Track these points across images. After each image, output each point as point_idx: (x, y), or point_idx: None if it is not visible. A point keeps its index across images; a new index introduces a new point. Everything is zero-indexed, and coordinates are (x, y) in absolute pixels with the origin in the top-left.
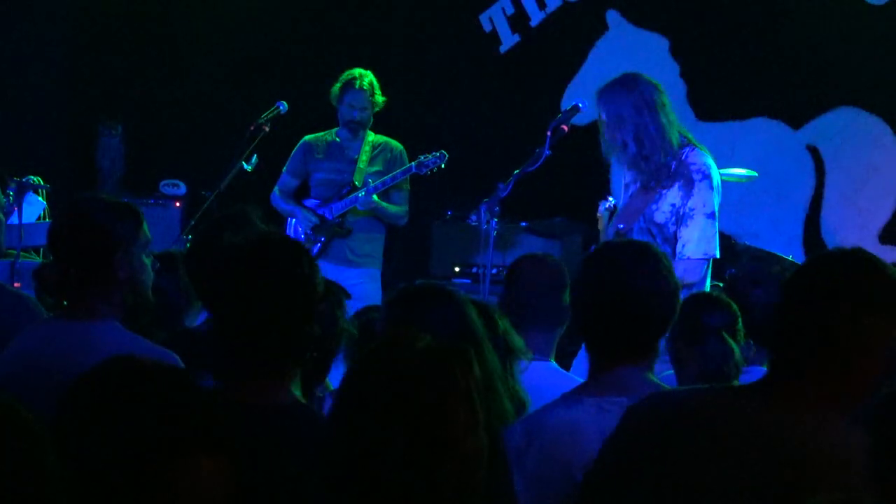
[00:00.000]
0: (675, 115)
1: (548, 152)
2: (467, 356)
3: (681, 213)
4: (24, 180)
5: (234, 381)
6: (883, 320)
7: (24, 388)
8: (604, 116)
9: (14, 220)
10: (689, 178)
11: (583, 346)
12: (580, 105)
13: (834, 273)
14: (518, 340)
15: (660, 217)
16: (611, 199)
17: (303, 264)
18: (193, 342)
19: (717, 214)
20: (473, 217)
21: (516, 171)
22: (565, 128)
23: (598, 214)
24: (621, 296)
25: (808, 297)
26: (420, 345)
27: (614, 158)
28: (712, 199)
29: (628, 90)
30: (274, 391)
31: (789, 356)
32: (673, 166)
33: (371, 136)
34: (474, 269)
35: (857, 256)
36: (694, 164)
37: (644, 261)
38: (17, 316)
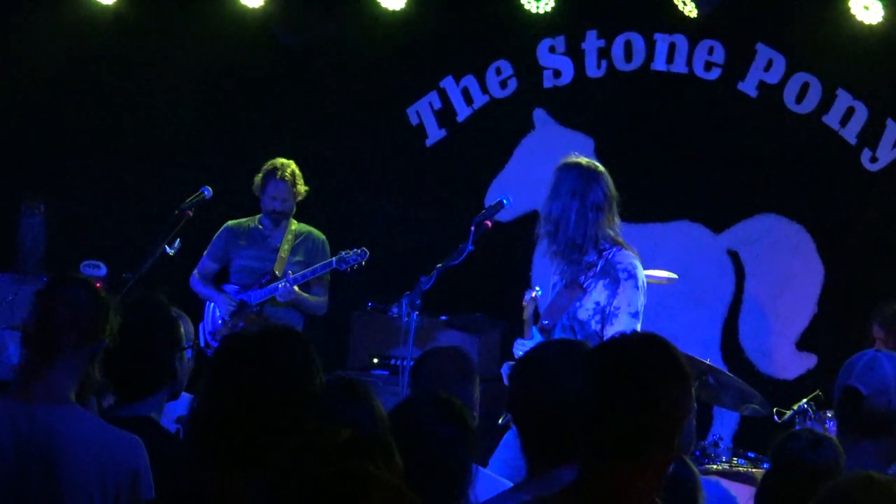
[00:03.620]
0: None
1: (471, 247)
2: (389, 447)
3: (606, 311)
4: None
5: (207, 471)
6: (674, 390)
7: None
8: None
9: None
10: (614, 278)
11: (501, 442)
12: (504, 201)
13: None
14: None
15: (583, 314)
16: (538, 288)
17: (297, 357)
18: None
19: (640, 314)
20: (395, 309)
21: (439, 266)
22: (489, 223)
23: (523, 303)
24: (553, 397)
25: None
26: (342, 438)
27: (537, 250)
28: (637, 298)
29: (578, 175)
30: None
31: (603, 443)
32: (599, 265)
33: (294, 226)
34: (393, 362)
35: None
36: (620, 263)
37: (575, 360)
38: None
